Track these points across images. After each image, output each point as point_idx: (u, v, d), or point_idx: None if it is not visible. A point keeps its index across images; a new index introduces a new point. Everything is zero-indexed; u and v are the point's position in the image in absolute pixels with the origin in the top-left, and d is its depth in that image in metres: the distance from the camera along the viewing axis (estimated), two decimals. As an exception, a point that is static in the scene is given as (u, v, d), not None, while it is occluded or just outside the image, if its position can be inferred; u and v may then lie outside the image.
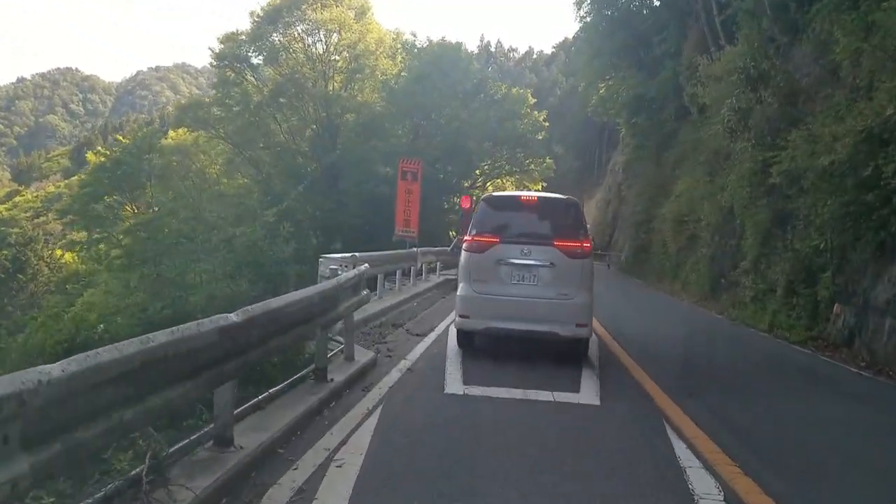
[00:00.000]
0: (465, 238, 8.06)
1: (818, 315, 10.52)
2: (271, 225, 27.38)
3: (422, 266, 17.56)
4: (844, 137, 8.97)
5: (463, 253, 8.05)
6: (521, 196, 8.41)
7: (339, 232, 28.83)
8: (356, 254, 8.61)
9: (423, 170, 30.23)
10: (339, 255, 8.14)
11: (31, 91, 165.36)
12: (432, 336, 9.32)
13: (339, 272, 6.23)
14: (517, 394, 6.00)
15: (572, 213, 8.13)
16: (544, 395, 5.98)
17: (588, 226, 8.50)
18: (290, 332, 4.68)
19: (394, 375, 6.58)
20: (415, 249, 15.38)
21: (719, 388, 7.05)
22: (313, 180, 29.68)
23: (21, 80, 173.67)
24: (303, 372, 5.80)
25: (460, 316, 7.87)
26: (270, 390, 5.02)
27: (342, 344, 6.90)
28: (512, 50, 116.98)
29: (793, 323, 11.14)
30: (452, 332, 8.50)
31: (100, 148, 32.56)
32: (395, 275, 14.14)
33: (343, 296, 6.03)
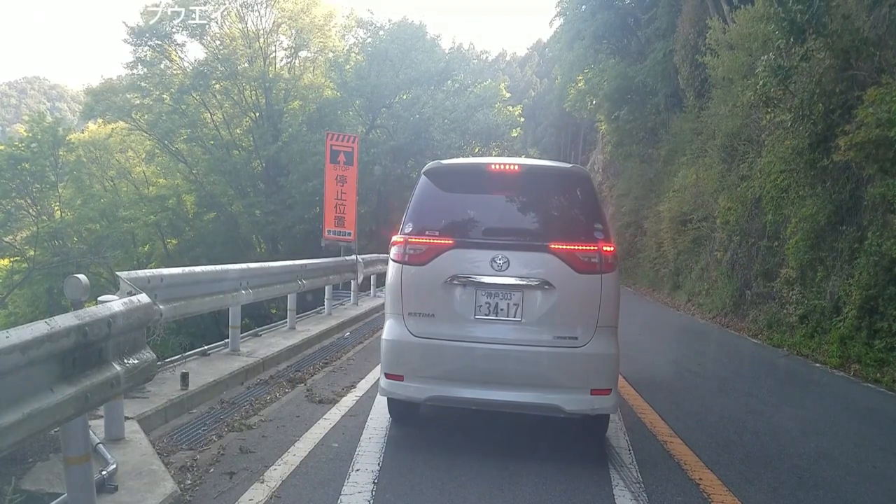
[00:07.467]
0: (395, 239, 4.48)
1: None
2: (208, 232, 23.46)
3: (370, 279, 13.86)
4: None
5: (391, 265, 4.48)
6: (491, 165, 4.76)
7: (285, 238, 24.98)
8: (158, 271, 4.77)
9: (385, 164, 26.56)
10: (133, 274, 4.38)
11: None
12: (348, 400, 5.67)
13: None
14: None
15: (580, 193, 4.57)
16: None
17: (608, 218, 4.95)
18: None
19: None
20: (354, 257, 11.62)
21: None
22: (253, 178, 25.61)
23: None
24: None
25: (388, 376, 4.33)
26: None
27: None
28: (484, 52, 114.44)
29: (882, 357, 7.79)
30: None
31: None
32: (325, 294, 10.42)
33: None
